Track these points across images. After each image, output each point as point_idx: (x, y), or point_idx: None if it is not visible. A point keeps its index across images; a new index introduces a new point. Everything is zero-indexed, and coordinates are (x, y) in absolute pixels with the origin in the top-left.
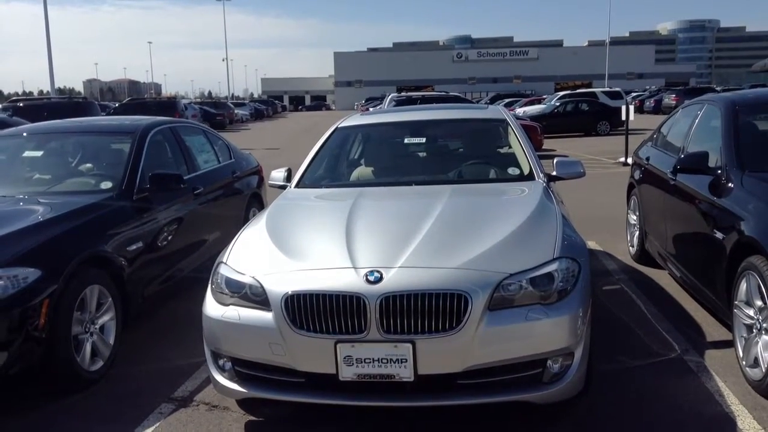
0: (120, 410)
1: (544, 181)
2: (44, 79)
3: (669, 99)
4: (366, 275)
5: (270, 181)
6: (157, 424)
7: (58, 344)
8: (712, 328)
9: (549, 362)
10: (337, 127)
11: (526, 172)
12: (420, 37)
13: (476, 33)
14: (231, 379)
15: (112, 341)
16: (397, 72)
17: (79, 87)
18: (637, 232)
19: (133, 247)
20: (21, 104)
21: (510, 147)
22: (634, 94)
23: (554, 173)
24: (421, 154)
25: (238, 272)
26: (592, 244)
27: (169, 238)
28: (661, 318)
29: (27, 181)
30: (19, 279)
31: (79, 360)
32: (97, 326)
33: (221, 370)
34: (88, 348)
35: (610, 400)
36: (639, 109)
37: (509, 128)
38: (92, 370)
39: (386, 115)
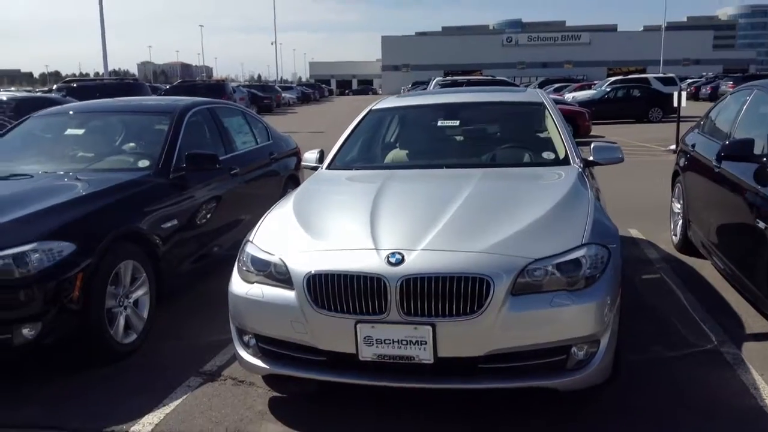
0: (150, 382)
1: (579, 167)
2: (100, 61)
3: (726, 86)
4: (387, 257)
5: (303, 162)
6: (185, 397)
7: (92, 317)
8: (753, 320)
9: (574, 349)
10: (370, 110)
11: (561, 156)
12: (469, 21)
13: (527, 17)
14: (255, 355)
15: (145, 315)
16: (445, 56)
17: (133, 69)
18: (681, 221)
19: (168, 224)
20: (74, 85)
21: (546, 131)
22: (689, 81)
23: (591, 158)
24: (455, 137)
25: (264, 251)
26: (634, 233)
27: (205, 216)
28: (700, 309)
29: (69, 158)
30: (54, 252)
31: (113, 333)
32: (131, 300)
33: (246, 346)
34: (121, 321)
35: (641, 390)
36: (695, 96)
37: (546, 111)
38: (125, 343)
39: (420, 97)
